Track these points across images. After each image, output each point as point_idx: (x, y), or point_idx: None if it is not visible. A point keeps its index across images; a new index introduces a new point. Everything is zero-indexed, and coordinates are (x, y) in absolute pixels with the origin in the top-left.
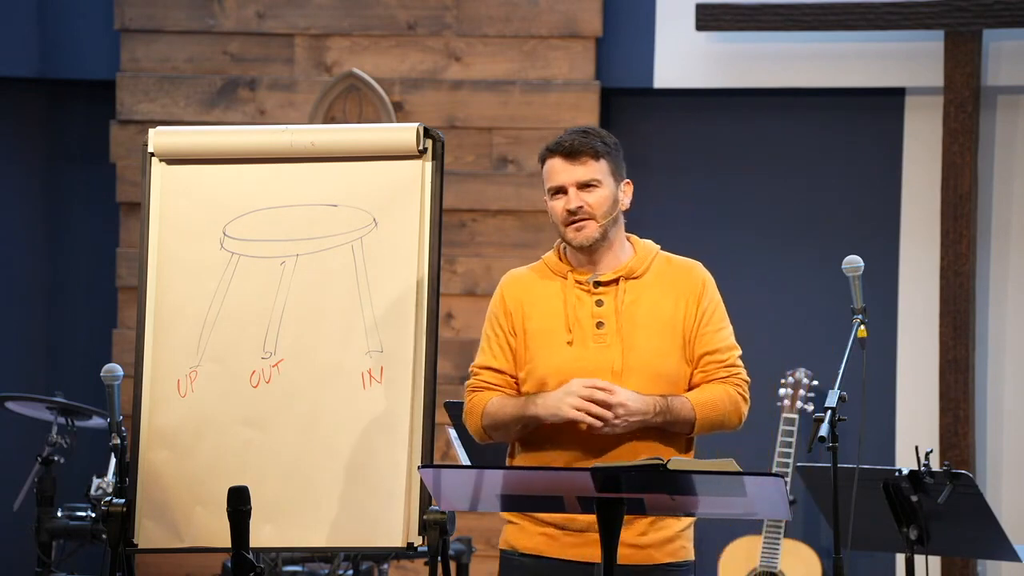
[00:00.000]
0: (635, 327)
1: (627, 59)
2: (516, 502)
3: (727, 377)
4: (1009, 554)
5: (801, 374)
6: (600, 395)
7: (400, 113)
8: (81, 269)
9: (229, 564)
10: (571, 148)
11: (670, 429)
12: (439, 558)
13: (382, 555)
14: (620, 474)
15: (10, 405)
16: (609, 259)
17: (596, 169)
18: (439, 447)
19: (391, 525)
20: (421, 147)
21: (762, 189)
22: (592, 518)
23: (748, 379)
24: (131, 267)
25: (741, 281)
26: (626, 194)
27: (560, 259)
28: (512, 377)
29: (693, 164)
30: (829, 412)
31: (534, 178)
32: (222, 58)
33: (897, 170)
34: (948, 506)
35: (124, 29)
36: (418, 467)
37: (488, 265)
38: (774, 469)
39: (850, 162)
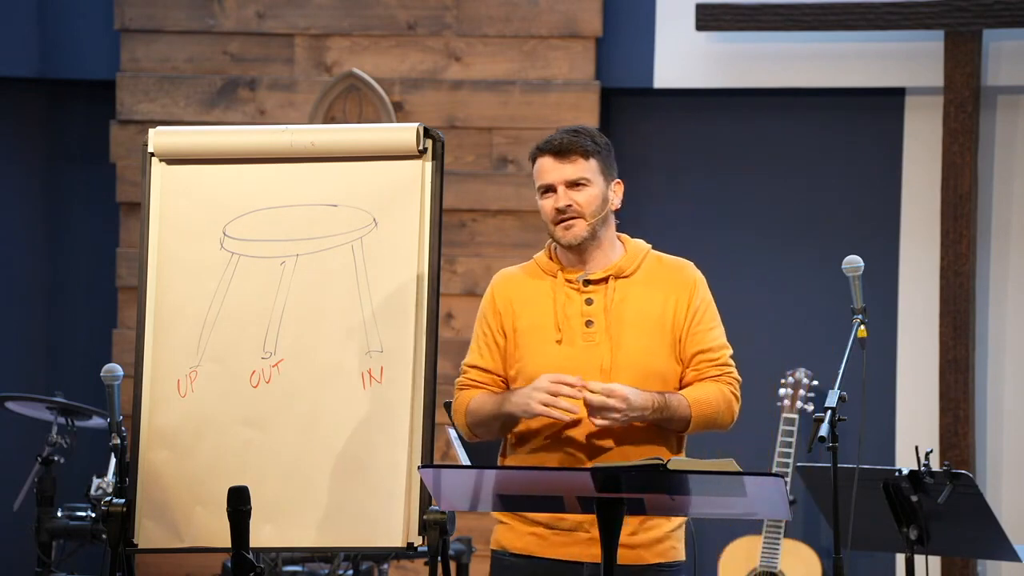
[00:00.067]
0: (624, 325)
1: (627, 59)
2: (516, 502)
3: (719, 376)
4: (1009, 554)
5: (801, 374)
6: (567, 390)
7: (400, 113)
8: (81, 269)
9: (229, 564)
10: (560, 147)
11: (666, 426)
12: (439, 558)
13: (382, 555)
14: (620, 474)
15: (10, 405)
16: (599, 258)
17: (585, 168)
18: (439, 447)
19: (391, 525)
20: (421, 147)
21: (762, 189)
22: (581, 517)
23: (739, 378)
24: (131, 267)
25: (741, 281)
26: (616, 194)
27: (550, 258)
28: (499, 376)
29: (693, 164)
30: (829, 412)
31: None
32: (222, 58)
33: (897, 170)
34: (948, 506)
35: (124, 29)
36: (418, 467)
37: (488, 265)
38: (774, 469)
39: (850, 162)
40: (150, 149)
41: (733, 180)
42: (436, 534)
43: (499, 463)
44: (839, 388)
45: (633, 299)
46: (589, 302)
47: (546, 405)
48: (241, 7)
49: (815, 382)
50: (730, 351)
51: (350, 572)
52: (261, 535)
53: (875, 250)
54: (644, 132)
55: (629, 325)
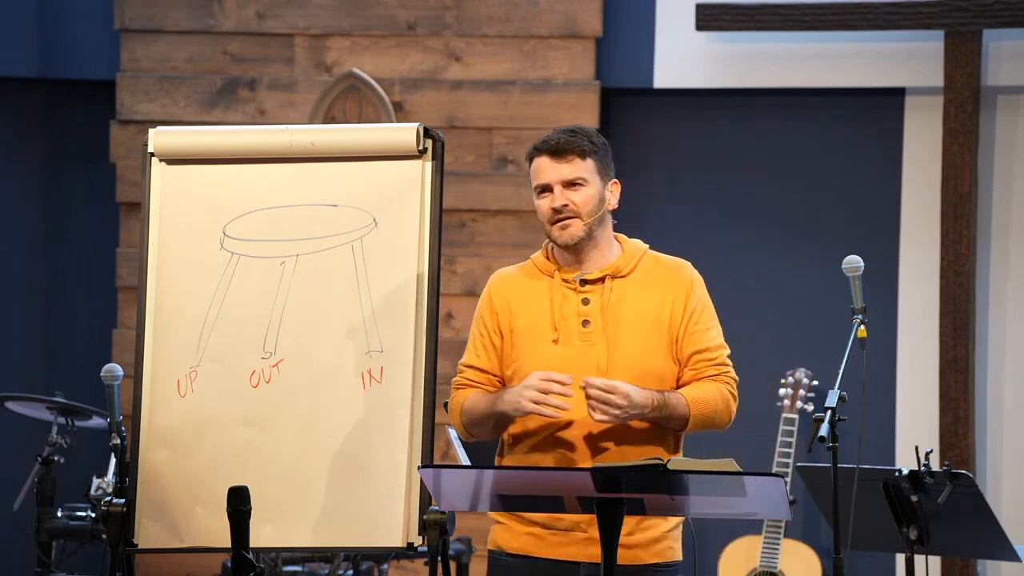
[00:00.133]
0: (620, 325)
1: (627, 59)
2: (516, 502)
3: (717, 375)
4: (1009, 554)
5: (801, 374)
6: (557, 388)
7: (400, 113)
8: (81, 269)
9: (229, 564)
10: (557, 147)
11: (664, 425)
12: (439, 558)
13: (382, 555)
14: (620, 474)
15: (10, 405)
16: (596, 258)
17: (582, 168)
18: (439, 447)
19: (391, 525)
20: (421, 147)
21: (762, 189)
22: (577, 517)
23: (737, 377)
24: (131, 267)
25: (741, 281)
26: (613, 194)
27: (548, 258)
28: (495, 376)
29: (693, 164)
30: (829, 412)
31: None
32: (222, 58)
33: (897, 170)
34: (948, 506)
35: (124, 29)
36: (418, 467)
37: (488, 265)
38: (774, 469)
39: (850, 162)
40: (150, 149)
41: (733, 180)
42: (436, 534)
43: (496, 463)
44: (839, 388)
45: (630, 299)
46: (586, 302)
47: (536, 403)
48: (241, 7)
49: (815, 382)
50: (727, 351)
51: (350, 572)
52: (261, 535)
53: (875, 250)
54: (644, 132)
55: (626, 325)
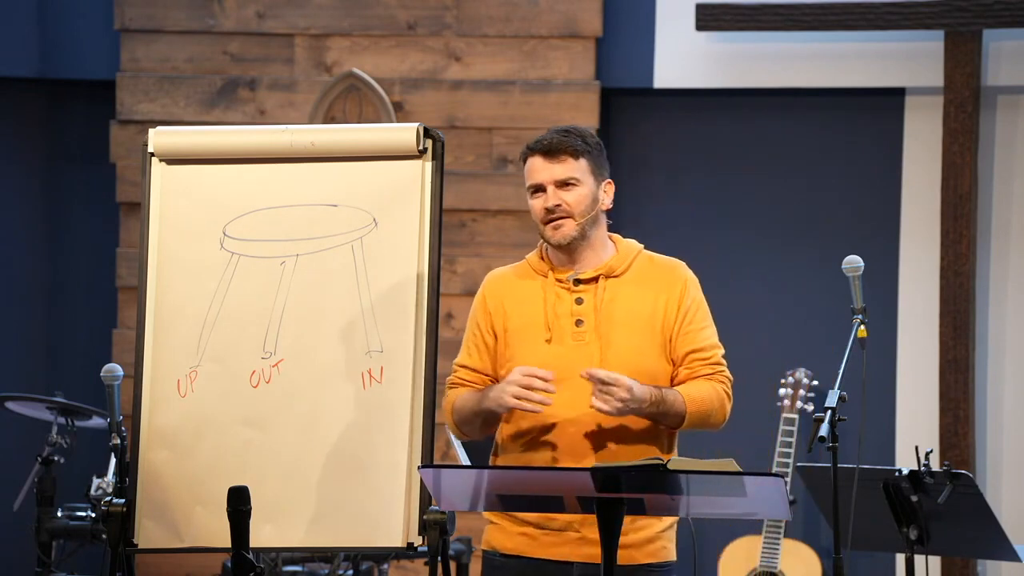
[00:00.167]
0: (614, 325)
1: (627, 59)
2: (516, 502)
3: (712, 374)
4: (1009, 554)
5: (801, 374)
6: (539, 383)
7: (400, 113)
8: (81, 269)
9: (229, 564)
10: (550, 147)
11: (661, 421)
12: (439, 558)
13: (382, 555)
14: (620, 474)
15: (10, 405)
16: (590, 258)
17: (575, 168)
18: (439, 447)
19: (391, 525)
20: (421, 147)
21: (762, 189)
22: (571, 517)
23: (731, 377)
24: (131, 267)
25: (741, 281)
26: (607, 194)
27: (542, 258)
28: (487, 376)
29: (693, 164)
30: (829, 412)
31: None
32: (222, 58)
33: (897, 170)
34: (948, 506)
35: (124, 29)
36: (418, 467)
37: (488, 265)
38: (774, 469)
39: (850, 162)
40: (150, 149)
41: (733, 180)
42: (436, 534)
43: (491, 463)
44: (839, 388)
45: (623, 298)
46: (579, 302)
47: (519, 398)
48: (241, 7)
49: (815, 382)
50: (722, 350)
51: (350, 572)
52: (261, 535)
53: (875, 250)
54: (644, 132)
55: (619, 324)
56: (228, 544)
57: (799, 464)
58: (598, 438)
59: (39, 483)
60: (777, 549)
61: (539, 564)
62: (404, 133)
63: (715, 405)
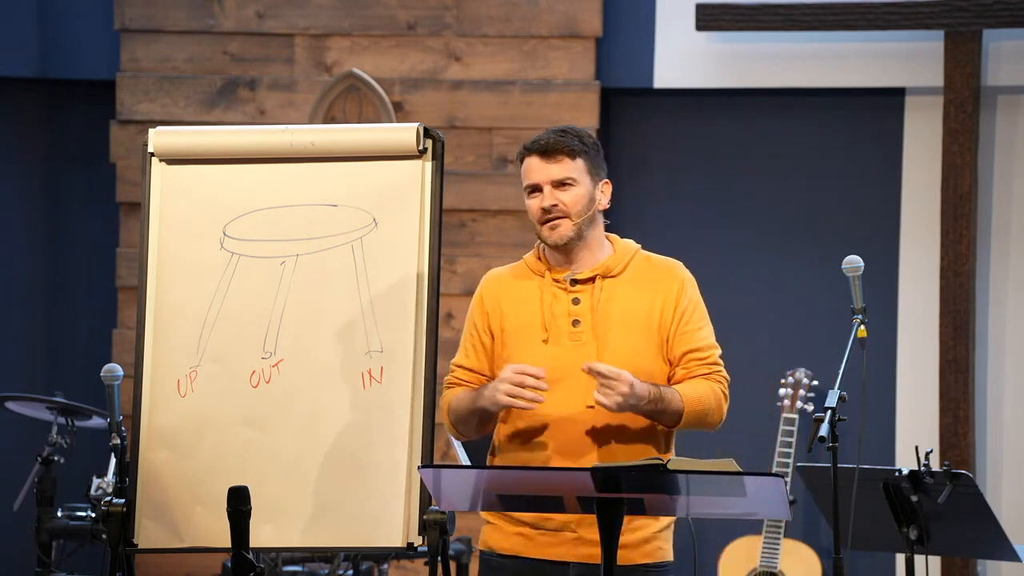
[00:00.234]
0: (610, 325)
1: (627, 59)
2: (516, 502)
3: (709, 374)
4: (1009, 554)
5: (801, 374)
6: (531, 381)
7: (400, 113)
8: (81, 269)
9: (229, 564)
10: (546, 147)
11: (658, 419)
12: (439, 558)
13: (382, 555)
14: (620, 474)
15: (10, 405)
16: (587, 258)
17: (571, 168)
18: (439, 447)
19: (391, 525)
20: (421, 147)
21: (762, 189)
22: (567, 517)
23: (728, 377)
24: (131, 267)
25: (741, 281)
26: (604, 194)
27: (539, 258)
28: (484, 376)
29: (693, 164)
30: (829, 412)
31: None
32: (222, 58)
33: (897, 170)
34: (948, 506)
35: (124, 29)
36: (418, 467)
37: (488, 265)
38: (774, 469)
39: (850, 162)
40: (150, 149)
41: (733, 180)
42: (436, 534)
43: (488, 463)
44: (839, 388)
45: (620, 298)
46: (576, 302)
47: (511, 396)
48: (241, 7)
49: (815, 382)
50: (719, 351)
51: (350, 572)
52: (261, 535)
53: (875, 250)
54: (644, 132)
55: (616, 324)
56: (228, 544)
57: (799, 464)
58: (595, 438)
59: (39, 483)
60: (777, 549)
61: (536, 564)
62: (404, 133)
63: (712, 404)
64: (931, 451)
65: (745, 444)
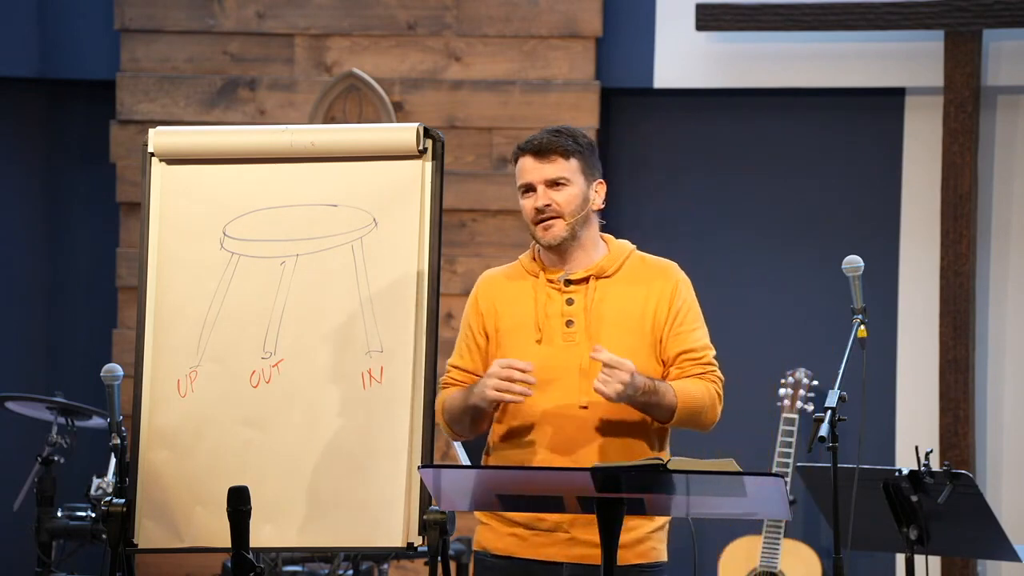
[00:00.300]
0: (604, 325)
1: (627, 59)
2: (516, 502)
3: (704, 374)
4: (1009, 554)
5: (801, 374)
6: (519, 375)
7: (400, 113)
8: (81, 269)
9: (229, 564)
10: (540, 147)
11: (652, 413)
12: (439, 558)
13: (382, 555)
14: (620, 474)
15: (10, 405)
16: (581, 258)
17: (565, 168)
18: (439, 447)
19: (391, 525)
20: (421, 147)
21: (762, 189)
22: (560, 518)
23: (723, 378)
24: (131, 267)
25: (741, 281)
26: (599, 193)
27: (534, 259)
28: (478, 376)
29: (693, 164)
30: (829, 412)
31: None
32: (222, 58)
33: (897, 170)
34: (948, 506)
35: (124, 29)
36: (418, 467)
37: (488, 265)
38: (774, 469)
39: (850, 162)
40: (150, 149)
41: (733, 180)
42: (436, 534)
43: (483, 462)
44: (839, 388)
45: (613, 299)
46: (570, 302)
47: (500, 391)
48: (241, 7)
49: (815, 382)
50: (713, 351)
51: (350, 572)
52: (261, 535)
53: (875, 250)
54: (644, 132)
55: (609, 325)
56: (228, 544)
57: (799, 464)
58: (588, 437)
59: (39, 483)
60: (777, 549)
61: (529, 564)
62: (404, 133)
63: (706, 403)
64: (931, 451)
65: (745, 444)
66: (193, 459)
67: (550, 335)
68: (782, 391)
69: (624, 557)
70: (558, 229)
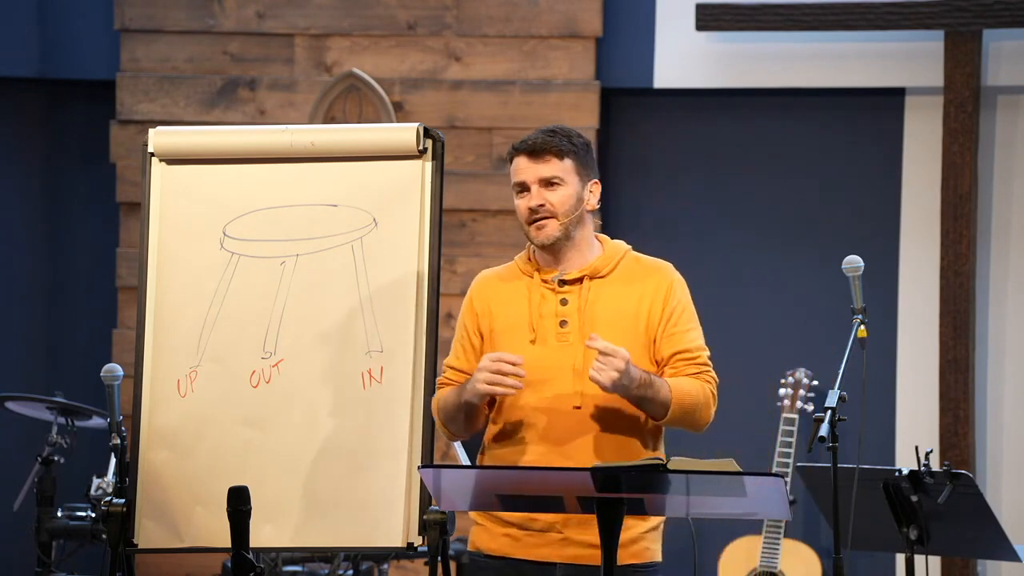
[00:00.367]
0: (597, 325)
1: (627, 59)
2: (515, 502)
3: (698, 373)
4: (1009, 554)
5: (801, 374)
6: (508, 367)
7: (400, 113)
8: (81, 269)
9: (229, 564)
10: (534, 147)
11: (645, 408)
12: (439, 558)
13: (382, 555)
14: (620, 474)
15: (10, 405)
16: (575, 258)
17: (559, 167)
18: (439, 447)
19: (391, 525)
20: (421, 147)
21: (762, 189)
22: (553, 518)
23: (717, 379)
24: (131, 267)
25: (741, 281)
26: (593, 194)
27: (529, 260)
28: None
29: (693, 164)
30: (829, 412)
31: None
32: (222, 58)
33: (897, 170)
34: (948, 506)
35: (124, 29)
36: (418, 467)
37: (488, 265)
38: (774, 469)
39: (850, 162)
40: (150, 149)
41: (733, 180)
42: (436, 534)
43: (477, 461)
44: (839, 388)
45: (607, 299)
46: (564, 302)
47: (490, 384)
48: (241, 7)
49: (815, 382)
50: (707, 353)
51: (350, 572)
52: (261, 535)
53: (875, 250)
54: (644, 132)
55: (603, 325)
56: (228, 544)
57: (799, 464)
58: (582, 436)
59: (39, 483)
60: (777, 549)
61: (523, 565)
62: (404, 133)
63: (700, 402)
64: (931, 451)
65: (745, 444)
66: (193, 459)
67: (544, 335)
68: (782, 391)
69: (618, 557)
70: (551, 229)
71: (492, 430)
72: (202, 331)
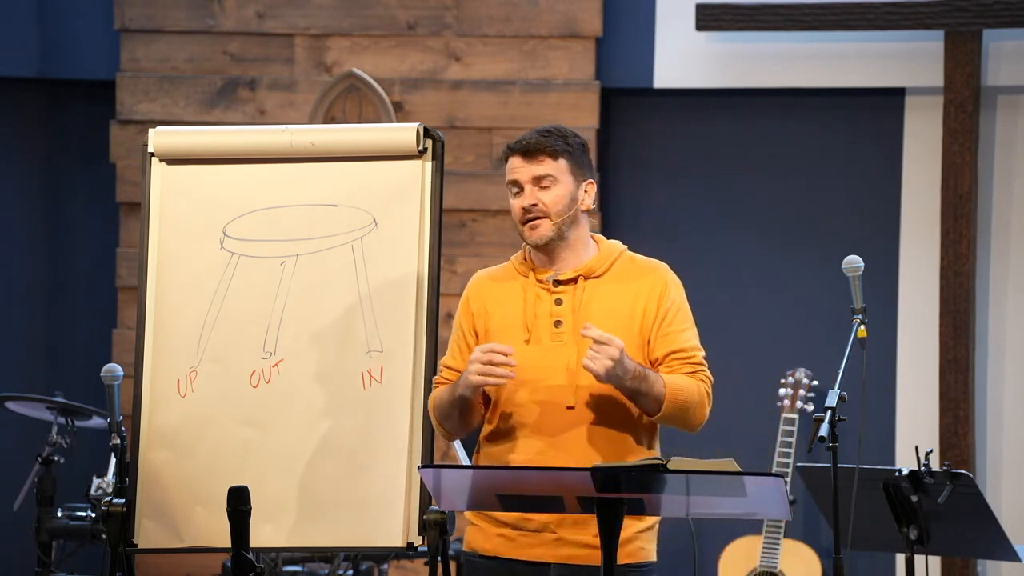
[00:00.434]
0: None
1: (627, 59)
2: (515, 502)
3: (693, 372)
4: (1009, 554)
5: (801, 374)
6: (499, 358)
7: (400, 113)
8: (81, 269)
9: (229, 564)
10: (528, 147)
11: (639, 402)
12: (439, 558)
13: (382, 555)
14: (620, 474)
15: (10, 405)
16: (569, 258)
17: (553, 167)
18: (439, 447)
19: (391, 525)
20: (421, 147)
21: (762, 189)
22: (547, 518)
23: (712, 378)
24: (131, 267)
25: (741, 281)
26: (588, 193)
27: (524, 260)
28: None
29: (693, 164)
30: (829, 412)
31: None
32: (222, 58)
33: (897, 170)
34: (948, 506)
35: (124, 29)
36: (418, 467)
37: (487, 265)
38: (774, 469)
39: (850, 162)
40: (150, 149)
41: (733, 180)
42: (436, 534)
43: (473, 460)
44: (839, 388)
45: (602, 299)
46: (559, 302)
47: (482, 375)
48: (241, 7)
49: (815, 382)
50: (703, 353)
51: (350, 572)
52: (261, 535)
53: (875, 250)
54: (644, 132)
55: (597, 324)
56: (228, 544)
57: (799, 464)
58: (576, 436)
59: (39, 483)
60: (777, 549)
61: (517, 565)
62: (404, 133)
63: (695, 399)
64: (931, 451)
65: (745, 444)
66: (193, 459)
67: (538, 335)
68: (782, 391)
69: None
70: (544, 229)
71: (486, 429)
72: (202, 331)
